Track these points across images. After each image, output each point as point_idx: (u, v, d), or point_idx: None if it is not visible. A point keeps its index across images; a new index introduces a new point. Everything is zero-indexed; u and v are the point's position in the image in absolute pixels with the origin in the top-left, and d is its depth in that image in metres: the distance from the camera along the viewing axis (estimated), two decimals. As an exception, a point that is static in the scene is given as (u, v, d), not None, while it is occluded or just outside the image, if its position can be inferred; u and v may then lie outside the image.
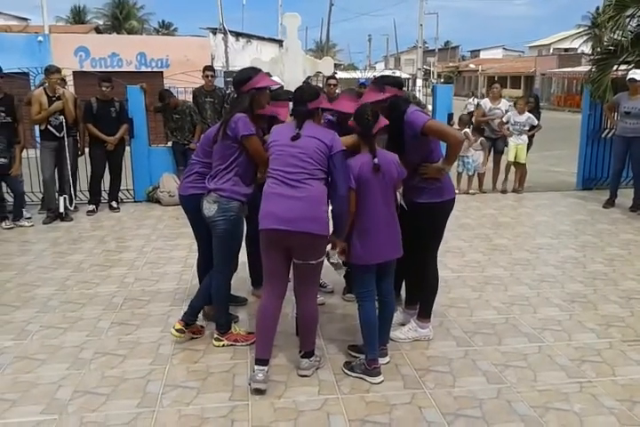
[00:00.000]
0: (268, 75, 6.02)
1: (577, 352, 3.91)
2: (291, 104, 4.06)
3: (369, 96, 3.82)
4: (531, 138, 9.49)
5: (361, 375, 3.59)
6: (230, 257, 3.93)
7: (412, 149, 3.78)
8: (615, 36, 9.18)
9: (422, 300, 4.19)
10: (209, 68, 8.78)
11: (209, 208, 3.76)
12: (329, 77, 8.39)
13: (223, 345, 4.00)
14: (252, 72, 3.80)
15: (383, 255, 3.56)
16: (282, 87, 5.82)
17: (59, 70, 7.30)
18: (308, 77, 7.82)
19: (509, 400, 3.34)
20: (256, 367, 3.47)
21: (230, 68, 17.46)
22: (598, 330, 4.26)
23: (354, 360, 3.71)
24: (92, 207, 8.03)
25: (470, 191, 9.23)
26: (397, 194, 3.82)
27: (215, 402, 3.33)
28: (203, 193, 3.88)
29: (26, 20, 37.65)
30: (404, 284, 4.43)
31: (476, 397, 3.37)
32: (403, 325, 4.17)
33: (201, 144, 4.18)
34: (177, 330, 3.96)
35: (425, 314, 4.13)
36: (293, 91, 3.81)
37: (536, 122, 9.17)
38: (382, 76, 4.07)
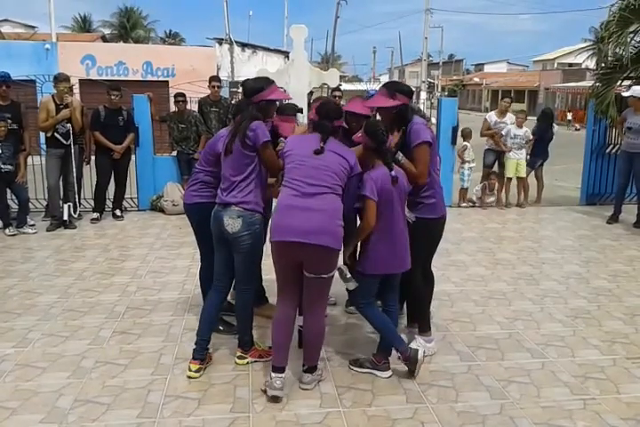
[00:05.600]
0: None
1: (581, 369, 3.89)
2: (298, 118, 4.08)
3: (378, 100, 3.81)
4: (545, 149, 9.50)
5: (370, 371, 3.71)
6: (256, 272, 3.87)
7: (409, 158, 3.78)
8: (618, 51, 9.21)
9: (415, 308, 4.19)
10: (215, 78, 8.81)
11: (232, 224, 3.58)
12: (334, 89, 8.43)
13: (247, 363, 3.87)
14: (265, 83, 3.76)
15: (399, 266, 3.64)
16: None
17: (67, 78, 7.34)
18: (313, 89, 7.86)
19: (512, 417, 3.31)
20: (274, 375, 3.46)
21: (236, 79, 17.52)
22: (602, 347, 4.24)
23: (362, 357, 3.81)
24: (96, 215, 8.04)
25: (462, 204, 9.21)
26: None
27: (216, 414, 3.31)
28: (207, 202, 3.84)
29: (33, 27, 37.93)
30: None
31: (478, 412, 3.35)
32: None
33: (204, 153, 4.16)
34: (195, 371, 3.71)
35: (424, 326, 4.11)
36: (320, 105, 3.78)
37: (531, 136, 9.23)
38: (395, 82, 4.06)
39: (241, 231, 3.58)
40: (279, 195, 3.54)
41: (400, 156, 3.70)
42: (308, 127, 3.89)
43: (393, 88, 3.81)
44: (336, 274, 3.57)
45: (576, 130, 30.82)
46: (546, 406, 3.43)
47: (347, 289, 4.73)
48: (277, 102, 4.02)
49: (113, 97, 7.79)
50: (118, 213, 8.22)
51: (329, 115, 3.58)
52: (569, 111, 36.52)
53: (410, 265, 3.70)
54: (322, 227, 3.31)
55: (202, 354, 3.80)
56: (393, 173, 3.47)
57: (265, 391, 3.47)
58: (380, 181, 3.46)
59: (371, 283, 3.65)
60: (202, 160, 4.15)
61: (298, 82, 7.17)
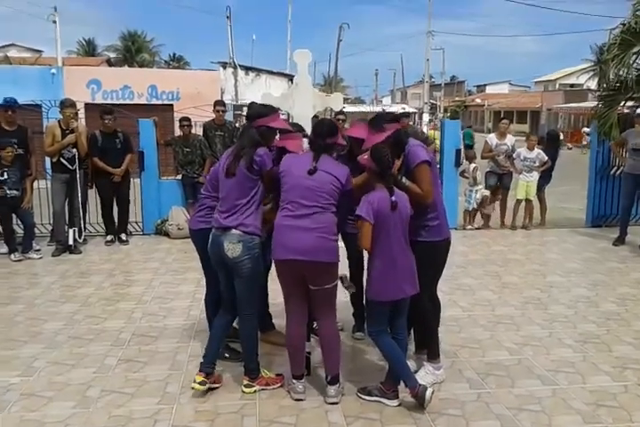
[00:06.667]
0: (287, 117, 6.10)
1: (592, 396, 3.83)
2: (303, 138, 4.11)
3: (372, 139, 3.76)
4: (550, 172, 9.50)
5: (379, 399, 3.68)
6: (257, 298, 3.85)
7: (411, 180, 3.78)
8: (621, 73, 9.25)
9: (423, 334, 4.16)
10: (220, 102, 8.89)
11: (233, 249, 3.60)
12: (337, 113, 8.47)
13: (255, 391, 3.83)
14: (269, 110, 3.84)
15: (401, 292, 3.61)
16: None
17: (73, 104, 7.40)
18: (317, 113, 7.88)
19: (524, 447, 3.26)
20: (295, 382, 3.76)
21: (240, 102, 17.65)
22: (613, 373, 4.18)
23: (370, 385, 3.78)
24: (110, 238, 8.13)
25: (467, 227, 9.18)
26: None
27: (224, 445, 3.27)
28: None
29: (39, 51, 38.35)
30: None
31: (490, 442, 3.30)
32: (415, 372, 3.95)
33: (210, 179, 4.18)
34: (199, 383, 3.74)
35: (433, 353, 4.06)
36: (314, 124, 3.85)
37: (545, 158, 9.18)
38: (377, 117, 4.06)
39: (241, 256, 3.62)
40: (277, 215, 3.66)
41: (404, 179, 3.71)
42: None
43: (379, 123, 3.81)
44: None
45: (568, 149, 31.05)
46: (558, 435, 3.38)
47: (353, 311, 4.76)
48: (277, 132, 4.00)
49: (106, 121, 7.82)
50: (124, 237, 8.22)
51: (322, 132, 3.72)
52: (561, 132, 36.80)
53: (417, 289, 3.68)
54: (318, 245, 3.53)
55: (208, 368, 3.81)
56: (393, 198, 3.47)
57: (289, 393, 3.78)
58: (376, 204, 3.47)
59: (379, 311, 3.63)
60: (207, 186, 4.17)
61: (302, 106, 7.16)
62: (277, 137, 4.10)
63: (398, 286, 3.57)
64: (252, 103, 9.26)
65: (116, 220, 8.29)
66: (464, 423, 3.50)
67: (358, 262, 4.63)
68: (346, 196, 3.68)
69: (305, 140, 4.19)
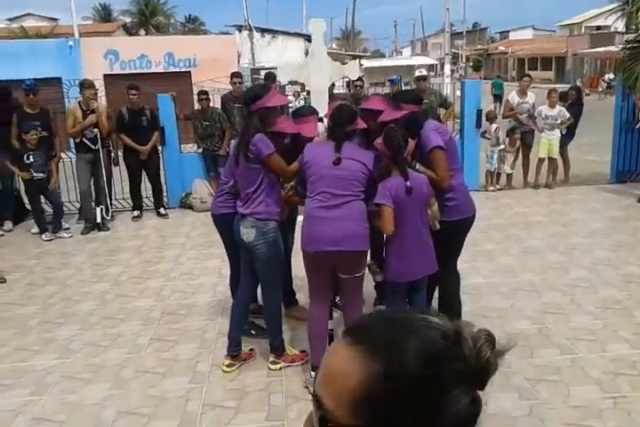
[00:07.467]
0: (294, 83, 6.06)
1: (611, 364, 3.89)
2: (319, 128, 4.10)
3: (388, 114, 3.83)
4: (573, 129, 9.36)
5: None
6: (278, 278, 3.95)
7: (426, 164, 3.81)
8: None
9: (446, 310, 4.24)
10: (236, 74, 8.89)
11: (247, 233, 3.72)
12: (355, 80, 8.43)
13: (280, 368, 3.98)
14: (262, 90, 3.82)
15: (419, 272, 3.69)
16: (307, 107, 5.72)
17: (92, 85, 7.45)
18: (333, 84, 7.87)
19: (542, 418, 3.36)
20: (313, 373, 3.63)
21: (257, 65, 17.51)
22: (633, 340, 4.22)
23: None
24: (136, 213, 8.30)
25: (490, 188, 9.11)
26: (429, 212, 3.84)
27: (253, 423, 3.44)
28: (234, 212, 3.93)
29: (55, 20, 38.19)
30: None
31: (510, 415, 3.40)
32: None
33: (228, 165, 4.23)
34: (227, 366, 3.97)
35: None
36: (332, 112, 3.82)
37: (567, 115, 9.01)
38: (399, 93, 4.09)
39: (255, 240, 3.72)
40: (306, 206, 3.67)
41: (418, 165, 3.73)
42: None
43: (398, 100, 3.89)
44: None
45: (586, 95, 30.34)
46: (576, 405, 3.46)
47: (374, 283, 4.84)
48: (279, 108, 3.96)
49: (132, 96, 7.89)
50: (162, 211, 8.40)
51: (340, 121, 3.67)
52: (582, 80, 35.80)
53: (436, 268, 3.73)
54: (351, 233, 3.52)
55: (234, 351, 3.98)
56: (408, 183, 3.49)
57: (307, 388, 3.68)
58: (394, 191, 3.49)
59: (397, 289, 3.72)
60: (226, 172, 4.24)
61: (318, 76, 7.16)
62: (292, 121, 4.11)
63: (417, 266, 3.64)
64: (270, 72, 9.31)
65: (144, 195, 8.46)
66: (483, 395, 3.60)
67: (378, 239, 4.69)
68: (371, 182, 3.65)
69: (320, 125, 4.19)
